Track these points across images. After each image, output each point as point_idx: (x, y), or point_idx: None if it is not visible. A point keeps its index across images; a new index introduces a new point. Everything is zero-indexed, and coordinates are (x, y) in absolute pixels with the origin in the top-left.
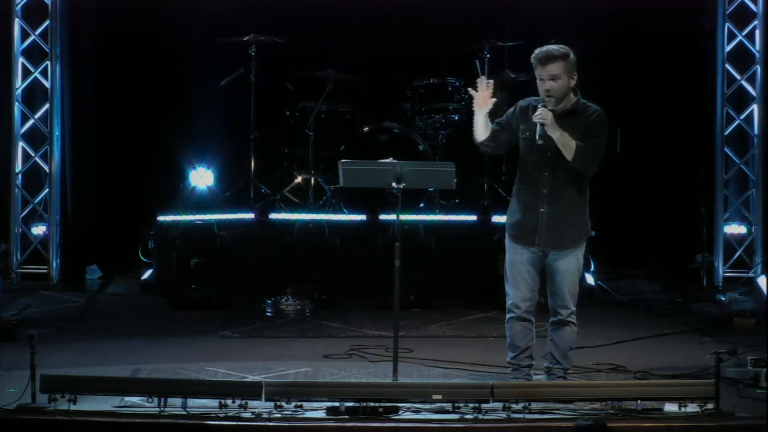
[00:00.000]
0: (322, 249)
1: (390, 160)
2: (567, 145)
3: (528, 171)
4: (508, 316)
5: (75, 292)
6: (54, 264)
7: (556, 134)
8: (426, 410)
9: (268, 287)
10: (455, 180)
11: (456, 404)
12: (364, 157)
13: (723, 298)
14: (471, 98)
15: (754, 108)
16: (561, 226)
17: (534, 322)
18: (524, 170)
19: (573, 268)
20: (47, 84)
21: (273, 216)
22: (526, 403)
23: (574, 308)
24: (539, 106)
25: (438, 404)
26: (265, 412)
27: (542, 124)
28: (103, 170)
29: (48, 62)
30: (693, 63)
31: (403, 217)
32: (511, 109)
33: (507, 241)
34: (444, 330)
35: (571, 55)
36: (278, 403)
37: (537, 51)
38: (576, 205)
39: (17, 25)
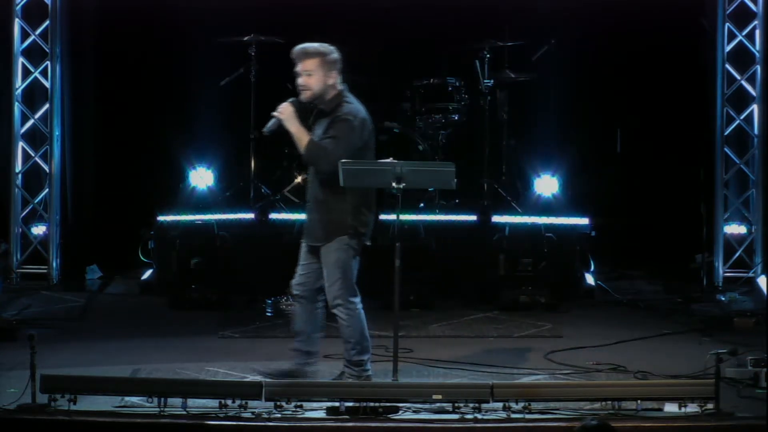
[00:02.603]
0: None
1: (390, 160)
2: (300, 140)
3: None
4: None
5: (75, 292)
6: (54, 264)
7: (292, 128)
8: (426, 410)
9: (268, 287)
10: (455, 180)
11: (456, 404)
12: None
13: (723, 298)
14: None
15: (754, 108)
16: (315, 220)
17: (312, 301)
18: None
19: (331, 260)
20: (47, 84)
21: (273, 216)
22: (526, 403)
23: (336, 301)
24: (289, 100)
25: (438, 404)
26: (265, 412)
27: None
28: (103, 170)
29: (48, 62)
30: (693, 63)
31: (403, 217)
32: None
33: None
34: (444, 330)
35: (331, 55)
36: (278, 403)
37: (295, 47)
38: (331, 201)
39: (17, 25)
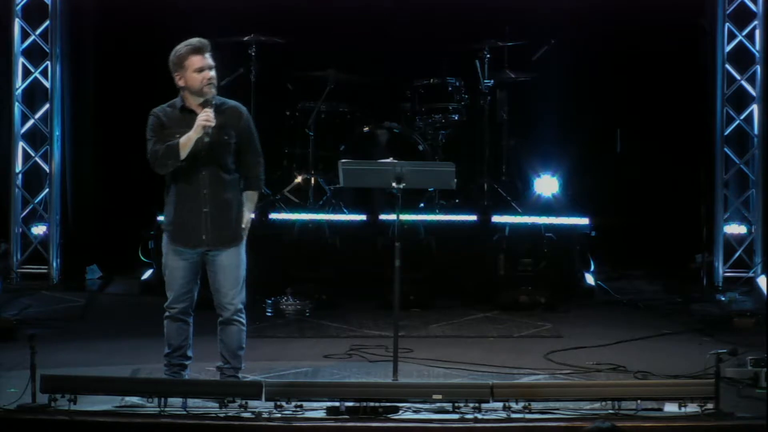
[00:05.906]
0: (322, 249)
1: (390, 160)
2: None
3: (184, 173)
4: (164, 314)
5: (75, 292)
6: (54, 264)
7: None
8: (426, 410)
9: (268, 287)
10: (455, 180)
11: (456, 404)
12: (364, 157)
13: (723, 298)
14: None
15: (754, 108)
16: (227, 220)
17: (190, 323)
18: (178, 173)
19: (235, 264)
20: (47, 84)
21: (273, 216)
22: (526, 403)
23: (240, 306)
24: (212, 102)
25: (438, 404)
26: (265, 412)
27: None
28: (103, 170)
29: (48, 62)
30: (693, 63)
31: (403, 217)
32: (152, 121)
33: (165, 243)
34: (444, 330)
35: None
36: (278, 403)
37: (190, 42)
38: (237, 199)
39: (17, 25)
